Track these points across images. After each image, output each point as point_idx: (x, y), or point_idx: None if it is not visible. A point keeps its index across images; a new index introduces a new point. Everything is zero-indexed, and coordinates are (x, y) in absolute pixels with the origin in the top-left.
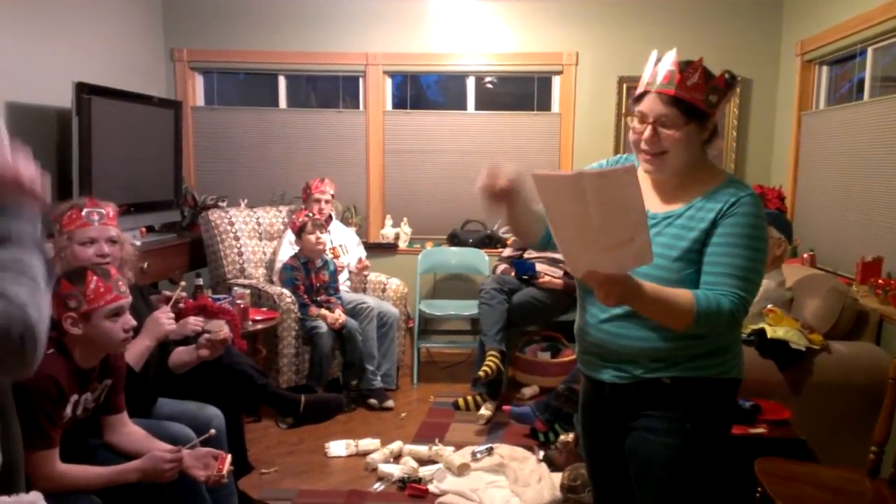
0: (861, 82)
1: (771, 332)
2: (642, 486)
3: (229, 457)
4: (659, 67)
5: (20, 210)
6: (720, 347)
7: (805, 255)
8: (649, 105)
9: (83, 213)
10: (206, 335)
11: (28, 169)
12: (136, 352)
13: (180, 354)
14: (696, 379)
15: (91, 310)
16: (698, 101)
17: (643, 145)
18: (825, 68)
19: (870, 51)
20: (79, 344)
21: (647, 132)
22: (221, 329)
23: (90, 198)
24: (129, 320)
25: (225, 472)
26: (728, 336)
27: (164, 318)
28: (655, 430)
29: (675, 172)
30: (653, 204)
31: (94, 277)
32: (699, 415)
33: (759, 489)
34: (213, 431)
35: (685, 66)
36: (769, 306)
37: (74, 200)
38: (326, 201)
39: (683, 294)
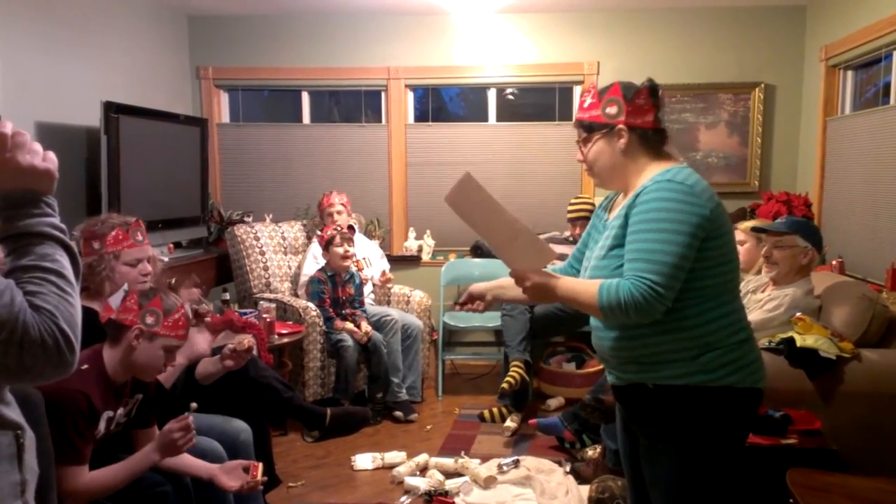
0: (887, 86)
1: (800, 341)
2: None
3: (261, 464)
4: None
5: (36, 197)
6: (696, 349)
7: (833, 262)
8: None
9: (129, 232)
10: (230, 345)
11: (34, 148)
12: (168, 371)
13: (206, 365)
14: (679, 387)
15: (159, 334)
16: (595, 118)
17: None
18: (850, 73)
19: (895, 55)
20: (120, 359)
21: (579, 152)
22: (245, 339)
23: (137, 219)
24: (174, 359)
25: (259, 477)
26: (704, 336)
27: (199, 339)
28: (647, 435)
29: (615, 181)
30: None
31: (181, 311)
32: (686, 425)
33: (790, 501)
34: (194, 405)
35: (583, 93)
36: (798, 314)
37: (119, 219)
38: (338, 212)
39: (592, 283)
